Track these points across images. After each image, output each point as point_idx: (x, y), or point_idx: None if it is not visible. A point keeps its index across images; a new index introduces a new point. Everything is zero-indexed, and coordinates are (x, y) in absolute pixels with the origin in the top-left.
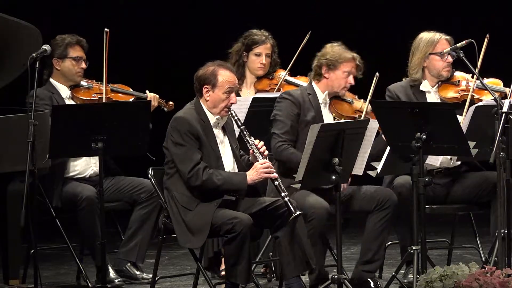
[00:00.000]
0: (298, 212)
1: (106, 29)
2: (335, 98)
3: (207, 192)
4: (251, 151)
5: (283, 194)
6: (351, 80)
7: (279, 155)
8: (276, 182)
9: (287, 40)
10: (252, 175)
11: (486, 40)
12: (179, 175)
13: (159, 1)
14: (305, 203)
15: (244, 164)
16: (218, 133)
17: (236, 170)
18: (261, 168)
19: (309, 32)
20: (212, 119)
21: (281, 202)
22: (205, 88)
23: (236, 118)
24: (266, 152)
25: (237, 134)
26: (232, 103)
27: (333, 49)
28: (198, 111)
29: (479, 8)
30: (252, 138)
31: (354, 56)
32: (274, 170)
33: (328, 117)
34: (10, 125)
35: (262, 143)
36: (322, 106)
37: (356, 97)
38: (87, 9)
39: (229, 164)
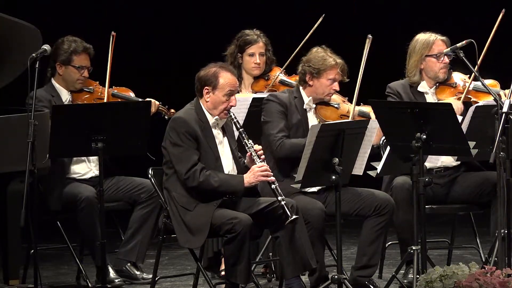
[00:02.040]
0: (294, 216)
1: (112, 33)
2: (321, 103)
3: (205, 193)
4: (248, 153)
5: (279, 198)
6: (335, 86)
7: (281, 153)
8: (273, 186)
9: (287, 39)
10: (249, 178)
11: (501, 14)
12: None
13: (159, 1)
14: (300, 206)
15: (242, 166)
16: (217, 133)
17: (235, 171)
18: (258, 171)
19: (323, 15)
20: (211, 119)
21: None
22: (205, 89)
23: (235, 120)
24: (263, 156)
25: (236, 135)
26: (232, 106)
27: (317, 55)
28: (197, 112)
29: (479, 8)
30: (251, 141)
31: (337, 62)
32: (272, 174)
33: (313, 121)
34: (10, 125)
35: (260, 147)
36: (307, 109)
37: (346, 99)
38: (87, 9)
39: (228, 164)
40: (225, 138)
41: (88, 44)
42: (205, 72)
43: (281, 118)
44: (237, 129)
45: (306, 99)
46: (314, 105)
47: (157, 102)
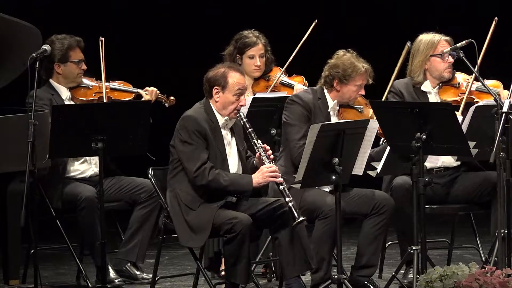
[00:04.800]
0: (301, 218)
1: (101, 38)
2: (344, 106)
3: (212, 192)
4: (257, 154)
5: (287, 199)
6: (362, 91)
7: (299, 160)
8: (281, 187)
9: (286, 39)
10: (258, 178)
11: (494, 23)
12: (184, 173)
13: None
14: (321, 200)
15: (249, 167)
16: (225, 134)
17: (241, 172)
18: (267, 172)
19: (315, 21)
20: (220, 120)
21: (282, 202)
22: (215, 89)
23: (244, 120)
24: (272, 156)
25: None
26: (241, 105)
27: (346, 61)
28: (207, 112)
29: (478, 8)
30: (260, 141)
31: (366, 69)
32: (280, 175)
33: None
34: (10, 125)
35: (269, 147)
36: (331, 113)
37: (368, 102)
38: (87, 8)
39: (234, 165)
40: (233, 138)
41: (78, 37)
42: (213, 73)
43: (304, 123)
44: (246, 129)
45: (331, 102)
46: (337, 107)
47: (155, 90)
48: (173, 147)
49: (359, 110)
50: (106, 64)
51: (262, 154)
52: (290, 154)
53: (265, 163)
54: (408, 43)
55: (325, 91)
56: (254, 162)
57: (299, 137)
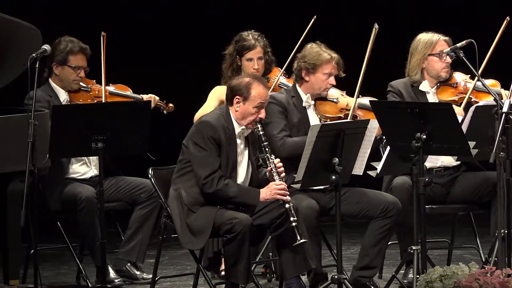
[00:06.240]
0: (302, 240)
1: (103, 33)
2: (319, 99)
3: (216, 200)
4: (269, 168)
5: (291, 219)
6: (332, 81)
7: (284, 152)
8: (287, 205)
9: (286, 39)
10: (265, 194)
11: (505, 22)
12: (192, 175)
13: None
14: (298, 204)
15: (261, 177)
16: (240, 143)
17: (247, 183)
18: (276, 189)
19: (314, 17)
20: (237, 128)
21: (281, 202)
22: (236, 98)
23: (261, 133)
24: (284, 174)
25: None
26: (260, 118)
27: (312, 50)
28: (226, 119)
29: (479, 9)
30: (273, 156)
31: (332, 57)
32: (288, 193)
33: (313, 118)
34: (10, 125)
35: (281, 163)
36: (306, 106)
37: (344, 93)
38: (87, 8)
39: (242, 174)
40: (247, 148)
41: (84, 45)
42: (237, 82)
43: (281, 118)
44: (262, 142)
45: (304, 96)
46: (313, 102)
47: (156, 97)
48: (186, 147)
49: (335, 101)
50: (106, 65)
51: (273, 169)
52: (275, 151)
53: (275, 179)
54: (376, 26)
55: (297, 86)
56: (267, 174)
57: (278, 131)
